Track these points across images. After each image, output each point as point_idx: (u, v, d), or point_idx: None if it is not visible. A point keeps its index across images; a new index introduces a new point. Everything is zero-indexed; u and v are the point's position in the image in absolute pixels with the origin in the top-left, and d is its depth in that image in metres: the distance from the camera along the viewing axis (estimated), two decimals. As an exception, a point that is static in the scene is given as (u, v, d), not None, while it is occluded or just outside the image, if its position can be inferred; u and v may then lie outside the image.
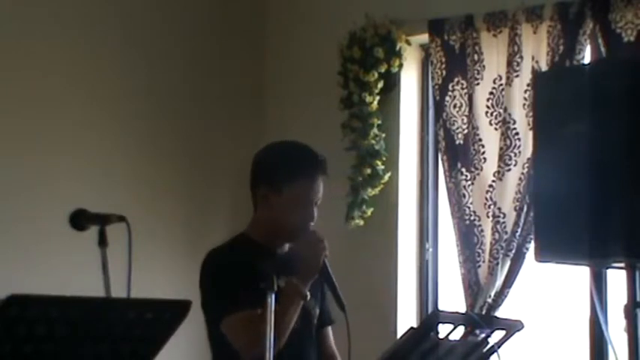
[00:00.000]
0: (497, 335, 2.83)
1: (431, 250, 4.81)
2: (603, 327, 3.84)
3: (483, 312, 4.34)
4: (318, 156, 3.09)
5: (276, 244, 3.11)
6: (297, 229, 3.02)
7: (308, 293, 2.92)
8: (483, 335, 2.80)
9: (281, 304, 2.80)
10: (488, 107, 4.50)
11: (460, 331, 2.73)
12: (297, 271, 2.94)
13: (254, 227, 3.14)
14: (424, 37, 4.74)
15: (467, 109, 4.55)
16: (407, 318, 4.68)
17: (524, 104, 4.37)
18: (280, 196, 3.04)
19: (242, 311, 2.85)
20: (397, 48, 4.76)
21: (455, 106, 4.59)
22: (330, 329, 3.27)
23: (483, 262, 4.42)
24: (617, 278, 3.73)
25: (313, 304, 3.13)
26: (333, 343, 3.27)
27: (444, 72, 4.63)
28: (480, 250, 4.44)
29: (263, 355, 2.61)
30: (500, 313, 4.31)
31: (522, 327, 2.88)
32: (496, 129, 4.46)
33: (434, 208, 4.85)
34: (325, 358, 3.21)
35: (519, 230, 4.32)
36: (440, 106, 4.63)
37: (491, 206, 4.43)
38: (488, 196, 4.45)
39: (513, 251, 4.34)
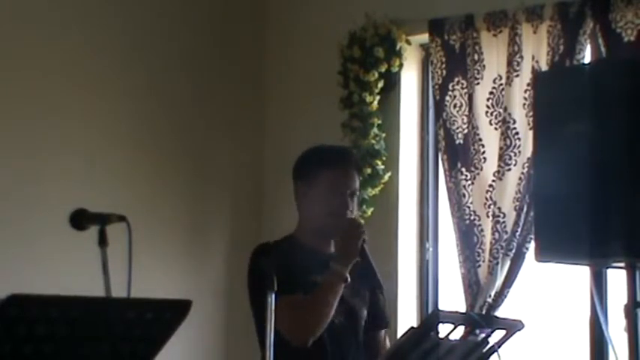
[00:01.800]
0: (497, 335, 2.83)
1: (431, 249, 4.81)
2: (603, 327, 3.84)
3: (483, 312, 4.33)
4: (345, 149, 3.35)
5: (323, 245, 3.19)
6: (331, 219, 3.13)
7: (348, 276, 3.02)
8: (483, 335, 2.80)
9: (322, 286, 2.97)
10: (488, 107, 4.50)
11: (460, 331, 2.73)
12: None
13: (300, 228, 3.24)
14: (424, 37, 4.73)
15: (467, 109, 4.55)
16: (407, 318, 4.67)
17: (524, 104, 4.37)
18: (312, 189, 3.17)
19: (288, 295, 2.89)
20: (397, 48, 4.76)
21: (455, 106, 4.59)
22: (383, 332, 3.30)
23: (483, 261, 4.42)
24: (617, 278, 3.73)
25: (359, 303, 3.20)
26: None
27: (444, 72, 4.63)
28: (479, 250, 4.44)
29: (307, 339, 2.90)
30: (500, 313, 4.30)
31: (522, 327, 2.88)
32: (496, 129, 4.46)
33: (434, 207, 4.85)
34: None
35: (519, 230, 4.32)
36: (440, 106, 4.63)
37: (491, 206, 4.42)
38: (488, 195, 4.45)
39: (513, 251, 4.34)
